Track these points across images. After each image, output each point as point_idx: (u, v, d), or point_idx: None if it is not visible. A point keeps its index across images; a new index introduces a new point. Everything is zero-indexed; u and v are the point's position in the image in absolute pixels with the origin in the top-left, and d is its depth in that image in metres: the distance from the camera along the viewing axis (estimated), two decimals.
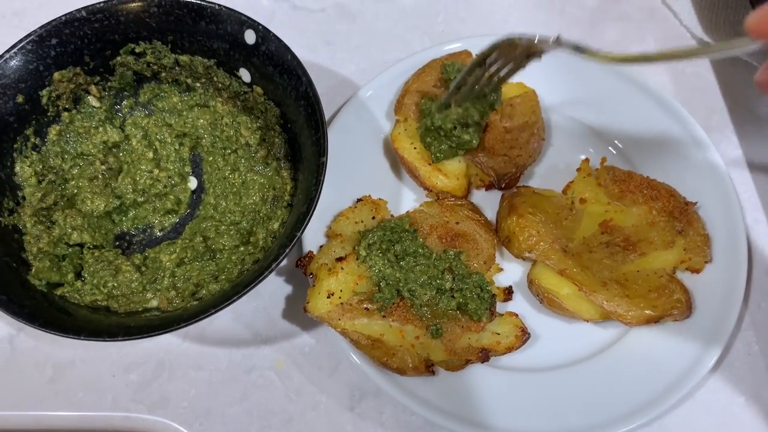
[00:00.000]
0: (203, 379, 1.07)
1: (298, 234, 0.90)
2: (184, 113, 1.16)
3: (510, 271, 1.12)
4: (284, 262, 1.14)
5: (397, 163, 1.19)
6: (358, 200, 1.11)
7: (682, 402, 1.03)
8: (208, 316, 0.86)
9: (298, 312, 1.11)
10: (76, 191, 1.10)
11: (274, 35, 1.01)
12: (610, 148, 1.20)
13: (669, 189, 1.09)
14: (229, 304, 0.87)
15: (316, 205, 0.92)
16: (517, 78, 1.18)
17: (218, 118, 1.15)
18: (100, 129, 1.13)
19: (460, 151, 1.11)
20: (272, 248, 0.96)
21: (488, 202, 1.17)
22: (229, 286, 0.97)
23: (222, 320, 1.10)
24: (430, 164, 1.12)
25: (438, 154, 1.11)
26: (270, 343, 1.09)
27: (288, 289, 1.13)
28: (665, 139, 1.15)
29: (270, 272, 0.89)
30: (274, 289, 1.13)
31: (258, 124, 1.12)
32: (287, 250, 0.89)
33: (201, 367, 1.08)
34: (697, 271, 1.07)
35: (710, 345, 1.01)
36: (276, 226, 1.03)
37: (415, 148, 1.13)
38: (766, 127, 1.23)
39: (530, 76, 1.18)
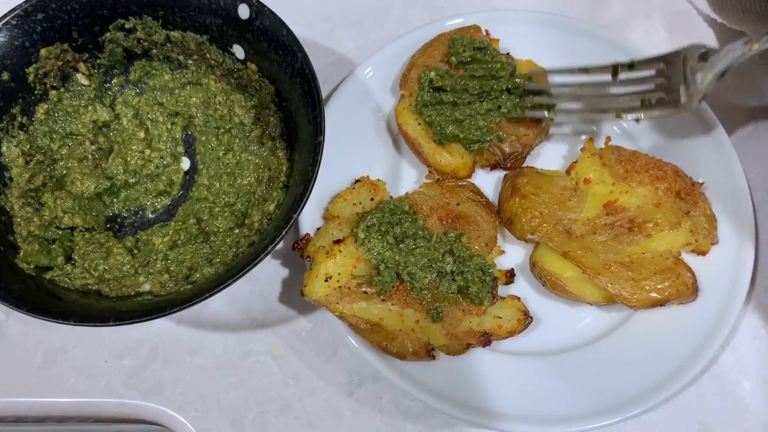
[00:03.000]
0: (198, 365, 1.05)
1: (295, 216, 0.87)
2: (176, 91, 1.12)
3: (512, 254, 1.10)
4: (280, 245, 1.11)
5: (397, 141, 1.16)
6: (356, 181, 1.08)
7: (687, 387, 1.02)
8: (202, 300, 0.84)
9: (295, 296, 1.08)
10: (65, 172, 1.07)
11: (268, 10, 0.98)
12: (615, 128, 1.16)
13: (675, 169, 1.06)
14: (223, 288, 0.84)
15: (313, 186, 0.89)
16: (527, 56, 1.16)
17: (211, 97, 1.11)
18: (90, 108, 1.09)
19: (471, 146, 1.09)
20: (268, 230, 0.93)
21: (490, 183, 1.14)
22: (224, 270, 0.94)
23: (217, 304, 1.08)
24: (434, 141, 1.09)
25: (441, 139, 1.08)
26: (266, 327, 1.07)
27: (284, 272, 1.10)
28: (671, 118, 1.12)
29: (266, 255, 0.86)
30: (270, 272, 1.10)
31: (252, 102, 1.08)
32: (283, 233, 0.86)
33: (196, 352, 1.05)
34: (703, 253, 1.04)
35: (716, 329, 0.99)
36: (272, 207, 1.00)
37: (419, 124, 1.09)
38: None
39: (539, 54, 1.15)
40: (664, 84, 1.01)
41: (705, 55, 0.96)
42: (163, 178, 1.10)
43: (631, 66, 1.05)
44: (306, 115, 0.95)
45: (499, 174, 1.14)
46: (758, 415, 1.01)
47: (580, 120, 1.15)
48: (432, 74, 1.09)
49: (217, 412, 1.02)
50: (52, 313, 0.84)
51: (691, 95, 0.97)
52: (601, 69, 1.06)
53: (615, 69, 1.05)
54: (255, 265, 0.85)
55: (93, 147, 1.09)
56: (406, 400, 1.02)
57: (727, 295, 1.00)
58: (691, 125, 1.11)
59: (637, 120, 1.05)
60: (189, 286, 0.95)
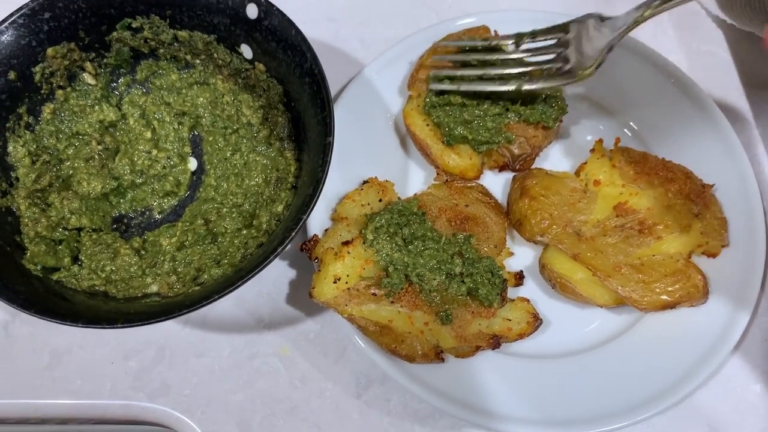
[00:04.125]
0: (205, 366, 1.04)
1: (304, 217, 0.86)
2: (183, 91, 1.11)
3: (521, 256, 1.09)
4: (288, 246, 1.11)
5: (405, 142, 1.15)
6: (365, 182, 1.08)
7: (697, 390, 1.01)
8: (210, 302, 0.83)
9: (302, 297, 1.07)
10: (71, 172, 1.06)
11: (277, 9, 0.97)
12: (625, 130, 1.16)
13: (685, 171, 1.06)
14: (232, 290, 0.83)
15: (322, 188, 0.88)
16: None
17: (219, 97, 1.11)
18: (96, 107, 1.09)
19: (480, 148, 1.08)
20: (276, 232, 0.92)
21: (499, 184, 1.14)
22: (232, 271, 0.93)
23: (224, 305, 1.07)
24: (442, 142, 1.08)
25: (450, 140, 1.08)
26: (274, 329, 1.06)
27: (292, 273, 1.10)
28: (681, 119, 1.11)
29: (275, 257, 0.85)
30: (277, 273, 1.09)
31: (260, 102, 1.08)
32: (292, 234, 0.86)
33: (203, 354, 1.05)
34: (713, 255, 1.03)
35: (726, 331, 0.98)
36: (280, 208, 0.99)
37: (427, 125, 1.09)
38: None
39: None
40: (563, 53, 1.02)
41: (601, 22, 0.97)
42: (170, 178, 1.10)
43: (533, 36, 1.06)
44: (315, 115, 0.94)
45: (508, 175, 1.13)
46: None
47: (479, 90, 1.10)
48: (441, 75, 1.09)
49: (224, 414, 1.01)
50: (59, 315, 0.83)
51: (583, 64, 0.98)
52: (505, 38, 1.08)
53: (518, 38, 1.06)
54: (263, 267, 0.84)
55: (100, 147, 1.08)
56: (414, 402, 1.01)
57: (737, 298, 1.00)
58: (701, 127, 1.10)
59: (536, 91, 1.05)
60: (197, 288, 0.94)
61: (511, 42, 1.07)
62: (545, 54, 1.05)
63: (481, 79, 1.07)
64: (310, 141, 0.97)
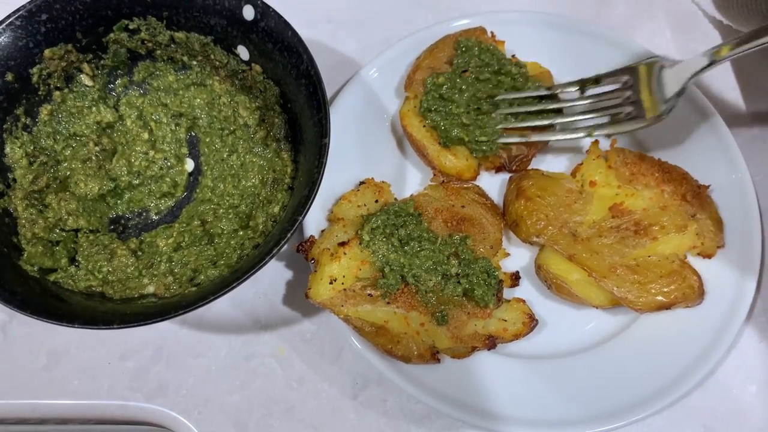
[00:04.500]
0: (202, 367, 1.04)
1: (300, 218, 0.87)
2: (180, 92, 1.12)
3: (517, 256, 1.09)
4: (285, 247, 1.11)
5: (401, 143, 1.16)
6: (361, 183, 1.08)
7: (692, 391, 1.01)
8: (206, 303, 0.83)
9: (299, 298, 1.08)
10: (68, 173, 1.06)
11: (274, 11, 0.97)
12: None
13: (681, 172, 1.06)
14: (228, 291, 0.84)
15: (318, 188, 0.88)
16: (533, 57, 1.16)
17: (215, 98, 1.11)
18: (93, 109, 1.09)
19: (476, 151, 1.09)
20: (273, 233, 0.93)
21: (495, 185, 1.14)
22: (228, 272, 0.94)
23: (220, 306, 1.08)
24: (439, 144, 1.08)
25: (446, 142, 1.08)
26: (270, 329, 1.07)
27: (288, 274, 1.10)
28: (677, 121, 1.11)
29: (270, 258, 0.85)
30: (274, 274, 1.10)
31: (257, 103, 1.08)
32: (288, 235, 0.86)
33: (200, 355, 1.05)
34: (709, 256, 1.04)
35: (722, 332, 0.98)
36: (276, 209, 1.00)
37: (424, 126, 1.09)
38: None
39: (544, 56, 1.15)
40: (631, 97, 1.04)
41: (670, 64, 0.99)
42: (167, 179, 1.10)
43: (597, 81, 1.07)
44: (311, 116, 0.94)
45: (504, 176, 1.13)
46: (764, 420, 1.00)
47: (552, 143, 1.15)
48: (440, 79, 1.09)
49: (221, 414, 1.01)
50: (56, 316, 0.84)
51: (655, 107, 1.00)
52: (568, 85, 1.09)
53: (582, 84, 1.08)
54: (260, 268, 0.85)
55: (97, 148, 1.09)
56: (410, 402, 1.02)
57: (733, 299, 1.00)
58: (697, 128, 1.10)
59: (609, 136, 1.07)
60: (193, 289, 0.95)
61: (575, 89, 1.09)
62: (611, 99, 1.06)
63: (548, 128, 1.10)
64: (306, 142, 0.97)
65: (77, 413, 1.03)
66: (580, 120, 1.08)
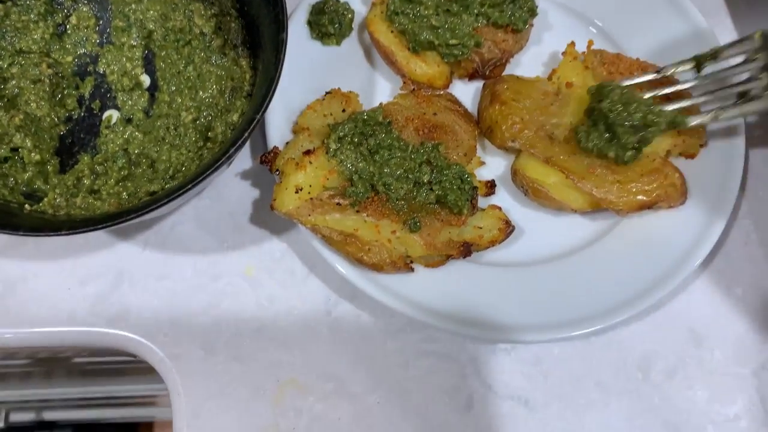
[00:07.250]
0: (166, 289, 0.99)
1: (258, 116, 0.81)
2: (133, 6, 1.05)
3: (493, 166, 1.05)
4: (249, 165, 1.06)
5: (370, 52, 1.10)
6: (327, 93, 1.02)
7: (676, 294, 0.98)
8: (161, 205, 0.78)
9: (266, 217, 1.03)
10: (17, 92, 1.00)
11: None
12: (593, 29, 1.12)
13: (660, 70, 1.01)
14: (184, 193, 0.78)
15: (277, 85, 0.83)
16: None
17: (169, 10, 1.04)
18: (41, 24, 1.02)
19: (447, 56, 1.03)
20: (231, 137, 0.87)
21: (469, 95, 1.09)
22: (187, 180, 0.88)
23: (184, 227, 1.03)
24: (408, 49, 1.03)
25: (416, 47, 1.03)
26: (238, 249, 1.02)
27: (255, 193, 1.05)
28: (653, 18, 1.07)
29: (228, 159, 0.80)
30: (240, 193, 1.05)
31: (212, 11, 1.02)
32: (246, 134, 0.81)
33: (164, 277, 1.00)
34: (691, 156, 1.00)
35: (706, 233, 0.95)
36: (235, 117, 0.94)
37: (392, 31, 1.03)
38: (760, 5, 1.15)
39: None
40: (760, 69, 0.93)
41: None
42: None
43: (714, 56, 0.97)
44: (268, 14, 0.89)
45: (478, 84, 1.08)
46: (750, 322, 0.97)
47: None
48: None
49: (188, 335, 0.97)
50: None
51: None
52: (680, 64, 0.98)
53: (697, 62, 0.97)
54: (217, 168, 0.79)
55: (50, 71, 1.02)
56: (385, 316, 0.98)
57: (716, 199, 0.96)
58: (675, 25, 1.06)
59: (744, 117, 0.96)
60: (148, 198, 0.89)
61: (689, 67, 0.98)
62: (734, 74, 0.96)
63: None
64: (264, 45, 0.91)
65: (37, 342, 0.98)
66: (703, 103, 0.97)
